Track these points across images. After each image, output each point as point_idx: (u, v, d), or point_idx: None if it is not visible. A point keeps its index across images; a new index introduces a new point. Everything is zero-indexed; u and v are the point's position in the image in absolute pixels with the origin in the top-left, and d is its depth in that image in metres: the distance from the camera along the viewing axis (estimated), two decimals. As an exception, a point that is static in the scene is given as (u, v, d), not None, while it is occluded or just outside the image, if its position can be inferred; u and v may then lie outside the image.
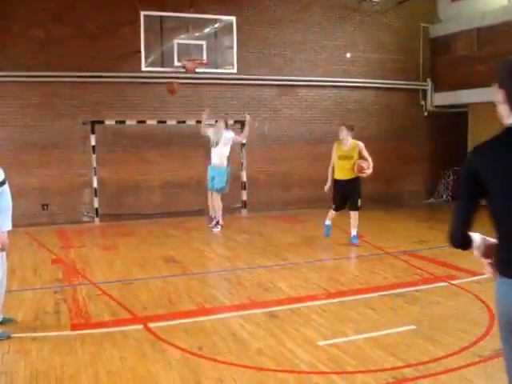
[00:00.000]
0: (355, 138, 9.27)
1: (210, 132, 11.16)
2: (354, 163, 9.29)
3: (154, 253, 8.94)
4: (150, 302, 6.34)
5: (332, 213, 9.83)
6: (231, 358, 4.71)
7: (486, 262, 2.74)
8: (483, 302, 6.16)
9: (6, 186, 5.05)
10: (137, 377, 4.35)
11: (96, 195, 11.78)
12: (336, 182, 9.50)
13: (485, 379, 4.27)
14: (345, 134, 9.41)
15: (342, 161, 9.38)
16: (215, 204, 10.99)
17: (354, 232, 9.49)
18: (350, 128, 9.50)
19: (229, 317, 5.81)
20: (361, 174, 9.36)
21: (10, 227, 5.09)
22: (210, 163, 11.05)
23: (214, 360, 4.66)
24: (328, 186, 9.64)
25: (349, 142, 9.43)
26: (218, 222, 10.93)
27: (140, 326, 5.51)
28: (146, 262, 8.32)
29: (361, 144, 9.44)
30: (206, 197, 11.37)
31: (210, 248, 9.43)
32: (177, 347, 4.94)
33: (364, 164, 9.28)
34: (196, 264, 8.27)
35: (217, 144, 10.93)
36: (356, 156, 9.38)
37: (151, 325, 5.52)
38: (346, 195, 9.45)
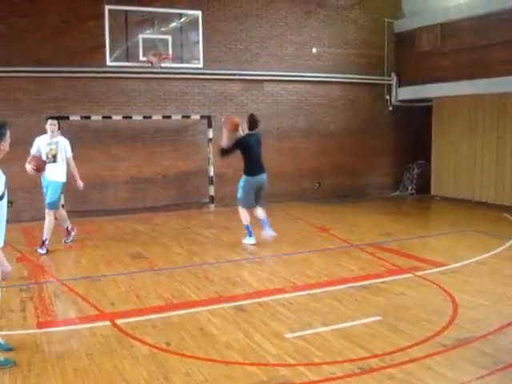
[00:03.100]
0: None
1: (38, 141, 8.74)
2: None
3: (120, 249, 8.89)
4: (117, 298, 6.32)
5: None
6: (199, 352, 4.74)
7: None
8: (446, 292, 6.30)
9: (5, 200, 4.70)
10: (104, 373, 4.34)
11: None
12: None
13: (448, 368, 4.36)
14: None
15: None
16: (49, 221, 8.77)
17: None
18: None
19: (196, 311, 5.82)
20: None
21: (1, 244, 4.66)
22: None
23: (182, 355, 4.68)
24: None
25: None
26: (44, 242, 8.73)
27: (107, 323, 5.49)
28: (113, 258, 8.27)
29: None
30: (169, 191, 11.30)
31: (178, 243, 9.39)
32: (144, 343, 4.94)
33: None
34: (163, 260, 8.25)
35: (54, 158, 8.67)
36: None
37: (118, 321, 5.50)
38: None
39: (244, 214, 9.07)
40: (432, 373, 4.29)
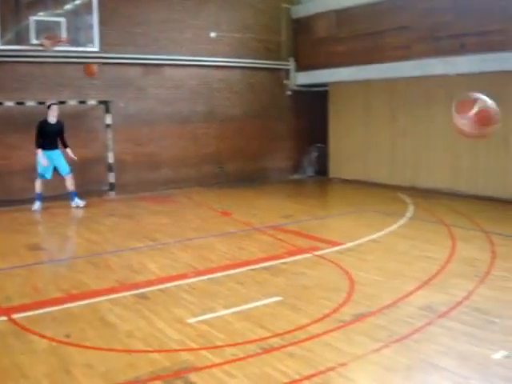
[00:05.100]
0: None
1: None
2: None
3: (16, 241, 8.54)
4: (14, 292, 6.10)
5: None
6: (100, 342, 4.68)
7: None
8: (344, 271, 6.56)
9: None
10: (2, 370, 4.20)
11: (-49, 182, 11.04)
12: None
13: (346, 343, 4.56)
14: None
15: None
16: None
17: None
18: None
19: (97, 302, 5.72)
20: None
21: None
22: None
23: (83, 346, 4.60)
24: None
25: None
26: None
27: (4, 318, 5.29)
28: (9, 251, 7.94)
29: None
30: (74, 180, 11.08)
31: (77, 233, 9.18)
32: (43, 336, 4.81)
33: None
34: (62, 250, 8.06)
35: None
36: None
37: (16, 316, 5.32)
38: None
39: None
40: (330, 348, 4.46)
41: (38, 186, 11.05)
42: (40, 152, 10.84)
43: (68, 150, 11.15)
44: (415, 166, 13.06)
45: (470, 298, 5.58)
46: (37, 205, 11.02)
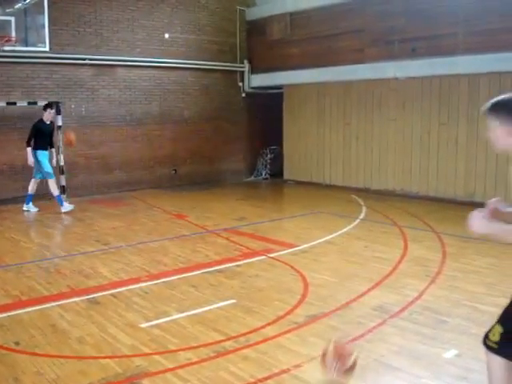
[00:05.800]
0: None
1: None
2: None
3: (-37, 246, 8.30)
4: (-41, 299, 5.91)
5: None
6: (50, 349, 4.56)
7: None
8: (298, 272, 6.59)
9: None
10: None
11: None
12: None
13: (300, 344, 4.57)
14: None
15: None
16: None
17: None
18: None
19: (47, 307, 5.58)
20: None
21: None
22: None
23: (33, 353, 4.49)
24: None
25: None
26: None
27: None
28: (-46, 256, 7.71)
29: None
30: (18, 183, 10.77)
31: (27, 237, 8.96)
32: (-9, 344, 4.68)
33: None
34: (11, 255, 7.82)
35: None
36: None
37: (-39, 323, 5.16)
38: None
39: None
40: (285, 350, 4.47)
41: (55, 185, 10.86)
42: (30, 150, 10.54)
43: (53, 151, 11.05)
44: (368, 168, 13.23)
45: (422, 297, 5.68)
46: (67, 205, 10.93)
